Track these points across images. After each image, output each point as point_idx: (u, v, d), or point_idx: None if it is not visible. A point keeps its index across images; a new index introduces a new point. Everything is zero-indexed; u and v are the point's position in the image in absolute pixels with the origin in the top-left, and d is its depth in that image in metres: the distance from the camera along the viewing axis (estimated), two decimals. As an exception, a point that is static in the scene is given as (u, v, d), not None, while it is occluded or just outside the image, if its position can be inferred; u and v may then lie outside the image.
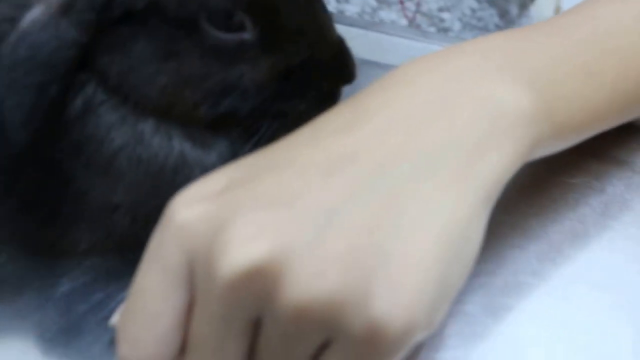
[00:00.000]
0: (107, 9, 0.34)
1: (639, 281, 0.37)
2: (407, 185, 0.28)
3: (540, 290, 0.36)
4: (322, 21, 0.38)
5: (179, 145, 0.36)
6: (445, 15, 0.63)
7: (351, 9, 0.66)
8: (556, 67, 0.36)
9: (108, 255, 0.38)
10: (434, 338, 0.33)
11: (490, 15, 0.65)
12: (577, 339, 0.34)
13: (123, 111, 0.35)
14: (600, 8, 0.40)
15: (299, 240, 0.26)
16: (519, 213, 0.40)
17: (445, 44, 0.50)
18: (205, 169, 0.36)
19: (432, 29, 0.64)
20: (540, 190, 0.42)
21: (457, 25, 0.64)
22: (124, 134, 0.35)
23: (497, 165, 0.31)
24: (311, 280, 0.25)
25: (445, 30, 0.64)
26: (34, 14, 0.34)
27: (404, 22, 0.65)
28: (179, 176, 0.36)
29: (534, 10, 0.72)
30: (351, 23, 0.58)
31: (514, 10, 0.67)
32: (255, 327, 0.28)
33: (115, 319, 0.33)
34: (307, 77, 0.37)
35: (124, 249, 0.37)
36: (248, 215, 0.27)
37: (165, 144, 0.36)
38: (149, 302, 0.28)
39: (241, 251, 0.26)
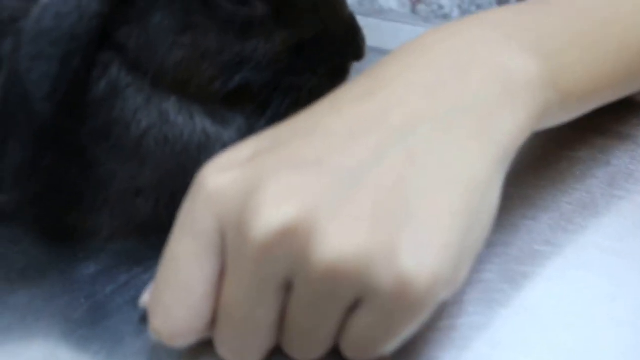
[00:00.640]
0: None
1: (648, 245, 0.38)
2: (428, 145, 0.29)
3: (554, 257, 0.37)
4: None
5: (201, 123, 0.37)
6: (444, 1, 0.64)
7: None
8: (560, 35, 0.37)
9: (131, 238, 0.39)
10: (454, 305, 0.34)
11: (489, 2, 0.66)
12: (591, 302, 0.35)
13: (147, 91, 0.36)
14: None
15: (327, 200, 0.27)
16: (530, 186, 0.41)
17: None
18: (224, 145, 0.36)
19: (431, 17, 0.65)
20: (548, 164, 0.43)
21: (455, 12, 0.65)
22: (150, 115, 0.36)
23: (511, 126, 0.32)
24: (340, 238, 0.26)
25: (444, 17, 0.65)
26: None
27: (403, 10, 0.66)
28: (202, 153, 0.36)
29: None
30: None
31: (511, -4, 0.68)
32: (286, 293, 0.28)
33: (145, 297, 0.33)
34: (319, 52, 0.38)
35: (147, 233, 0.38)
36: (277, 177, 0.27)
37: (189, 122, 0.36)
38: (182, 271, 0.29)
39: (272, 212, 0.27)
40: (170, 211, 0.31)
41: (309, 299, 0.28)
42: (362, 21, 0.60)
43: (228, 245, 0.28)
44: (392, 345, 0.29)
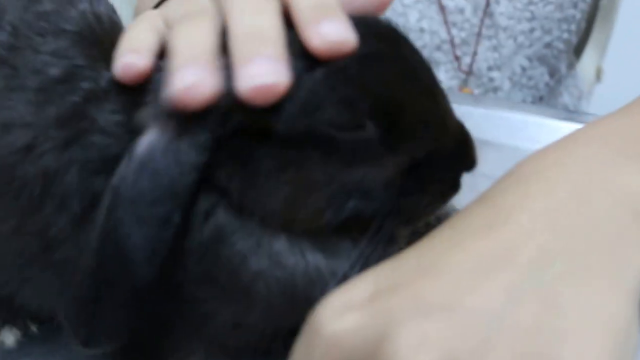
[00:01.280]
0: (222, 125, 0.32)
1: None
2: (562, 284, 0.28)
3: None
4: (444, 108, 0.35)
5: (313, 259, 0.34)
6: (495, 74, 0.62)
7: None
8: None
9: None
10: None
11: (540, 74, 0.64)
12: None
13: (257, 235, 0.33)
14: None
15: (465, 349, 0.25)
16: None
17: (495, 108, 0.49)
18: (336, 278, 0.34)
19: (480, 90, 0.63)
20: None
21: (506, 85, 0.63)
22: (260, 259, 0.33)
23: None
24: None
25: (494, 90, 0.63)
26: (149, 139, 0.31)
27: (453, 82, 0.64)
28: (315, 290, 0.33)
29: (579, 68, 0.72)
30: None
31: (563, 68, 0.66)
32: None
33: None
34: (430, 170, 0.35)
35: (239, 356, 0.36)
36: (409, 324, 0.26)
37: (300, 260, 0.34)
38: None
39: None
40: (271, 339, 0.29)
41: None
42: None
43: None
44: None
